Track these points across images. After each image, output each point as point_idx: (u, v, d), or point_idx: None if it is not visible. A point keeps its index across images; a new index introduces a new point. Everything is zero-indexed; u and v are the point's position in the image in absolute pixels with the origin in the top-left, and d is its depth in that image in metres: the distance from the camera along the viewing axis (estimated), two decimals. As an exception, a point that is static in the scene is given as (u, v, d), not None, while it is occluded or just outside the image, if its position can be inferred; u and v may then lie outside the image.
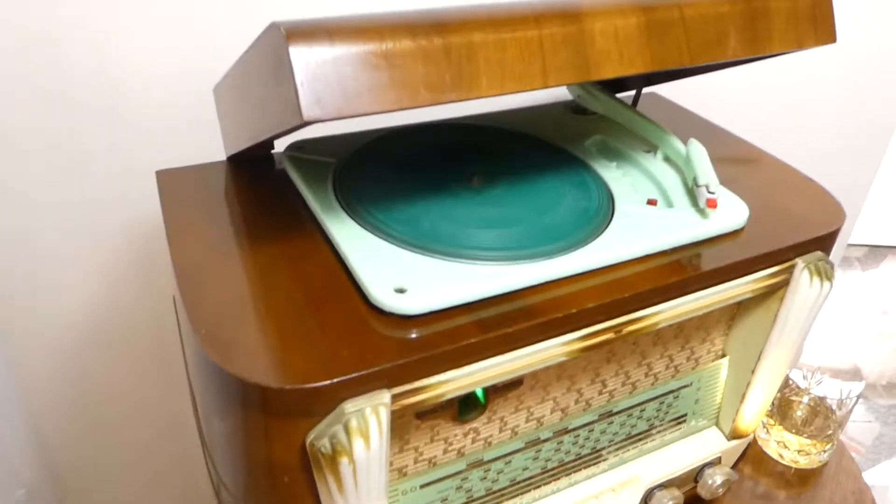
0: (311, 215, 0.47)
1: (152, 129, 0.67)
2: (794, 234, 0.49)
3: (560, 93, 0.65)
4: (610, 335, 0.43)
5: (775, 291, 0.50)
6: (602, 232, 0.46)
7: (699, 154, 0.50)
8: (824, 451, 0.65)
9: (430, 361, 0.38)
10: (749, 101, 0.85)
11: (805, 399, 0.65)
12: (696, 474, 0.58)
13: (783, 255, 0.48)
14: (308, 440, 0.37)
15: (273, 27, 0.33)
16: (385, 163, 0.52)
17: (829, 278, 0.49)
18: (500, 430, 0.49)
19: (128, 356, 0.82)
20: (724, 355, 0.56)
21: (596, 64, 0.38)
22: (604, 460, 0.54)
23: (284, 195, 0.49)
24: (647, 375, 0.53)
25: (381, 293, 0.40)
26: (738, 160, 0.58)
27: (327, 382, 0.36)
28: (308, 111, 0.33)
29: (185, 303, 0.40)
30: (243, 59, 0.41)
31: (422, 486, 0.47)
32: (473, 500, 0.50)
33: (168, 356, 0.82)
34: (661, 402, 0.55)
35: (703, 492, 0.58)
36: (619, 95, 0.60)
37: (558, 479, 0.53)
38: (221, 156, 0.53)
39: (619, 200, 0.49)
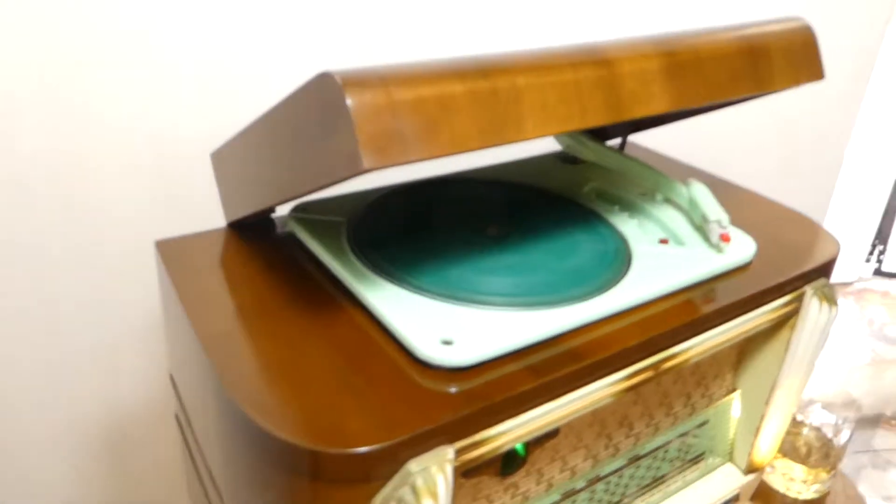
0: (328, 275, 0.46)
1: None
2: (799, 264, 0.50)
3: (544, 145, 0.66)
4: (650, 373, 0.43)
5: (787, 321, 0.51)
6: (626, 273, 0.46)
7: (703, 193, 0.51)
8: (827, 480, 0.66)
9: (489, 412, 0.37)
10: (704, 133, 0.89)
11: (805, 430, 0.67)
12: (720, 512, 0.58)
13: (793, 284, 0.49)
14: (374, 505, 0.35)
15: (325, 77, 0.33)
16: (397, 219, 0.51)
17: (835, 303, 0.51)
18: (538, 483, 0.47)
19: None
20: (734, 390, 0.57)
21: (627, 104, 0.39)
22: (645, 497, 0.54)
23: (296, 258, 0.48)
24: (667, 415, 0.53)
25: (428, 347, 0.38)
26: (726, 199, 0.60)
27: (390, 443, 0.34)
28: (369, 160, 0.32)
29: (218, 370, 0.38)
30: (270, 117, 0.40)
31: (466, 551, 0.45)
32: (514, 561, 0.48)
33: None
34: (682, 442, 0.55)
35: (729, 531, 0.57)
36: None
37: (591, 530, 0.52)
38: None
39: (632, 241, 0.50)
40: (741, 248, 0.50)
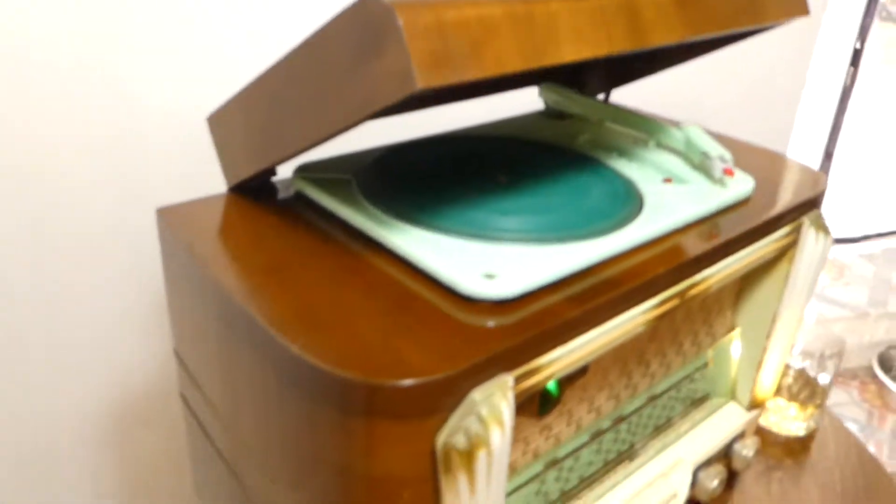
0: (346, 229, 0.45)
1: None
2: (795, 196, 0.52)
3: (525, 104, 0.66)
4: (677, 301, 0.44)
5: (785, 252, 0.53)
6: (641, 208, 0.47)
7: (699, 133, 0.52)
8: (817, 416, 0.68)
9: (539, 340, 0.37)
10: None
11: (791, 372, 0.69)
12: (727, 450, 0.59)
13: (793, 215, 0.51)
14: (440, 440, 0.34)
15: (370, 1, 0.32)
16: (405, 173, 0.50)
17: (829, 232, 0.53)
18: (568, 424, 0.47)
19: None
20: (734, 328, 0.58)
21: (646, 32, 0.40)
22: (651, 448, 0.54)
23: (308, 217, 0.47)
24: (677, 354, 0.54)
25: (471, 282, 0.38)
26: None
27: (454, 372, 0.34)
28: (422, 78, 0.31)
29: (259, 317, 0.36)
30: (293, 57, 0.38)
31: (507, 496, 0.44)
32: (554, 502, 0.48)
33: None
34: (690, 381, 0.56)
35: (738, 465, 0.59)
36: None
37: (616, 472, 0.52)
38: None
39: (638, 183, 0.51)
40: (742, 183, 0.51)
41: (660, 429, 0.55)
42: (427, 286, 0.39)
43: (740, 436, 0.59)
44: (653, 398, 0.53)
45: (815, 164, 1.34)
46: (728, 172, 0.50)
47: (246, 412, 0.42)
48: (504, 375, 0.35)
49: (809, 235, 0.52)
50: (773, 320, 0.56)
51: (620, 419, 0.51)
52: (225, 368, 0.43)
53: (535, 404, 0.44)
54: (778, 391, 0.68)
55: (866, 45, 1.36)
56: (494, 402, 0.34)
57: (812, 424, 0.69)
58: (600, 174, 0.52)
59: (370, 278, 0.40)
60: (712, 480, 0.55)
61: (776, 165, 0.57)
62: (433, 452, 0.35)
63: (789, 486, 0.64)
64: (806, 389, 0.68)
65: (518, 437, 0.44)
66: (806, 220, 0.52)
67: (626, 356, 0.49)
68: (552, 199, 0.48)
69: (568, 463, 0.48)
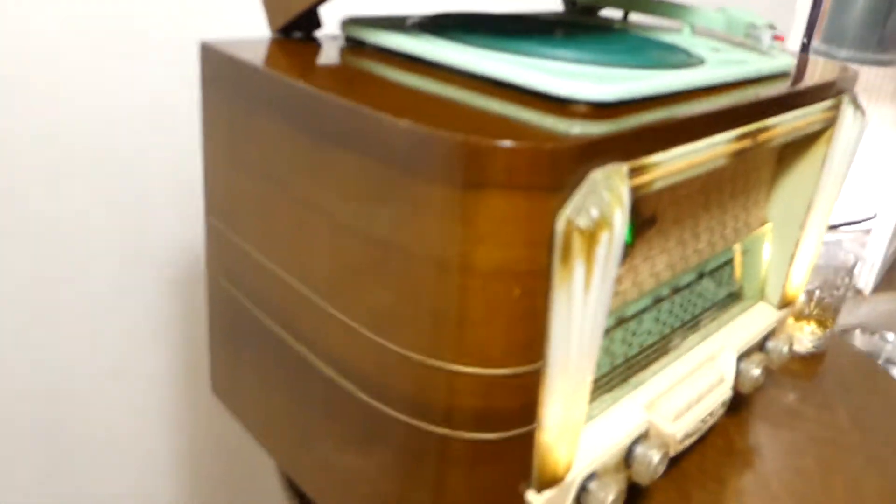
0: (413, 66, 0.42)
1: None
2: (833, 73, 0.53)
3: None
4: (749, 143, 0.43)
5: (823, 132, 0.53)
6: (703, 60, 0.46)
7: (739, 11, 0.52)
8: (825, 335, 0.69)
9: (642, 139, 0.35)
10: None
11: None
12: (763, 347, 0.58)
13: (836, 88, 0.52)
14: (563, 217, 0.31)
15: None
16: (463, 24, 0.47)
17: (865, 114, 0.54)
18: (633, 284, 0.45)
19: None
20: (765, 222, 0.58)
21: None
22: (697, 333, 0.53)
23: (366, 53, 0.43)
24: (721, 237, 0.53)
25: (569, 85, 0.36)
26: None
27: (571, 144, 0.31)
28: None
29: (352, 102, 0.33)
30: None
31: (582, 345, 0.42)
32: (616, 369, 0.45)
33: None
34: (731, 268, 0.55)
35: (775, 362, 0.58)
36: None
37: (668, 350, 0.50)
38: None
39: (691, 49, 0.50)
40: (786, 56, 0.51)
41: (703, 316, 0.54)
42: (521, 97, 0.37)
43: (772, 334, 0.59)
44: (700, 276, 0.51)
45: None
46: (778, 38, 0.50)
47: (322, 240, 0.38)
48: (619, 164, 0.33)
49: (848, 112, 0.52)
50: (809, 208, 0.55)
51: (676, 290, 0.49)
52: (297, 196, 0.39)
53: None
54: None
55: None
56: (615, 184, 0.32)
57: (821, 344, 0.69)
58: (652, 38, 0.51)
59: (453, 100, 0.38)
60: (755, 368, 0.54)
61: (803, 58, 0.58)
62: (551, 238, 0.32)
63: (802, 400, 0.63)
64: (818, 304, 0.69)
65: (594, 281, 0.41)
66: (846, 98, 0.52)
67: (683, 221, 0.48)
68: (614, 47, 0.46)
69: (633, 325, 0.46)
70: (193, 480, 0.90)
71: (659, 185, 0.37)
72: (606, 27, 0.55)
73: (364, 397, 0.38)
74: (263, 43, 0.44)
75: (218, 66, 0.42)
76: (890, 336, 1.37)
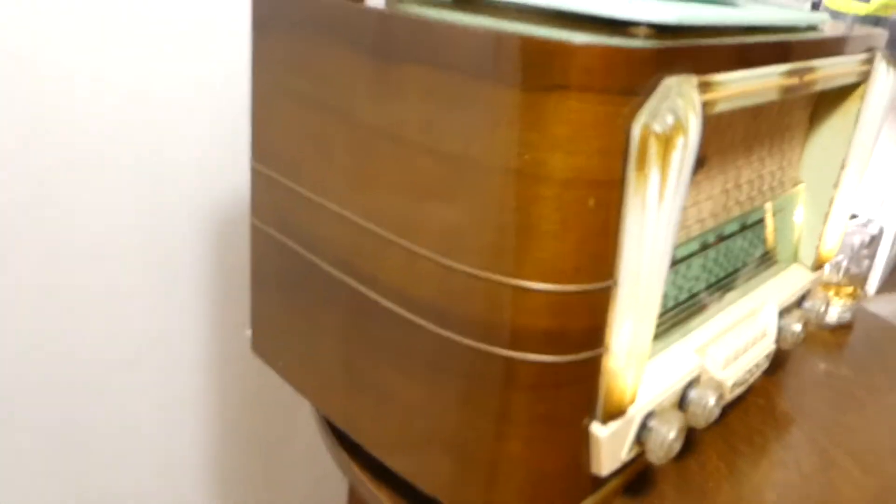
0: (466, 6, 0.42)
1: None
2: (862, 31, 0.53)
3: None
4: (797, 80, 0.43)
5: (856, 88, 0.54)
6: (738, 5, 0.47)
7: (772, -32, 0.53)
8: (854, 305, 0.69)
9: (705, 57, 0.35)
10: None
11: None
12: (800, 304, 0.58)
13: (868, 43, 0.52)
14: (639, 121, 0.31)
15: None
16: None
17: (897, 70, 0.55)
18: (682, 228, 0.45)
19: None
20: (799, 183, 0.58)
21: None
22: (738, 285, 0.53)
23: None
24: (759, 190, 0.53)
25: (632, 9, 0.36)
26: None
27: (643, 51, 0.31)
28: None
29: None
30: None
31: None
32: (668, 312, 0.45)
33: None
34: (768, 225, 0.55)
35: (814, 321, 0.57)
36: None
37: (712, 302, 0.50)
38: None
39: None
40: (815, 13, 0.52)
41: (742, 272, 0.53)
42: (580, 27, 0.37)
43: (808, 295, 0.59)
44: (743, 228, 0.51)
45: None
46: (814, -9, 0.50)
47: (388, 166, 0.38)
48: (689, 75, 0.33)
49: (882, 67, 0.53)
50: (843, 166, 0.56)
51: (721, 238, 0.49)
52: (361, 122, 0.38)
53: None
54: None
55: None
56: (687, 90, 0.32)
57: (849, 315, 0.69)
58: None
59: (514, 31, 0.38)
60: (797, 323, 0.54)
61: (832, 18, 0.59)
62: (626, 145, 0.32)
63: (838, 365, 0.63)
64: (844, 278, 0.69)
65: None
66: (879, 53, 0.53)
67: (727, 168, 0.48)
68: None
69: (682, 269, 0.46)
70: (216, 475, 0.89)
71: (721, 107, 0.37)
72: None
73: (428, 325, 0.37)
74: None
75: (272, 3, 0.42)
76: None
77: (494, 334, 0.35)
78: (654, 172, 0.32)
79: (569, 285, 0.34)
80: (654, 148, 0.31)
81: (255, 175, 0.47)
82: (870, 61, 0.53)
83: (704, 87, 0.35)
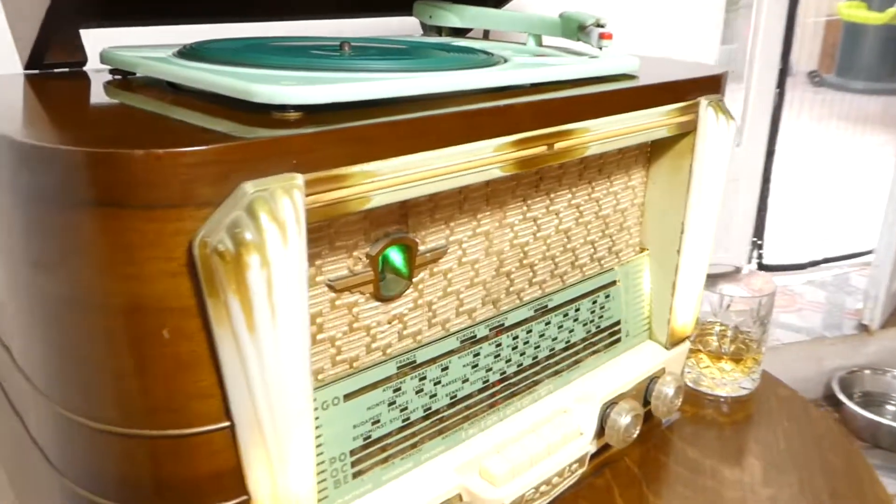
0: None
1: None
2: (688, 74, 0.46)
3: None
4: (543, 148, 0.37)
5: (684, 137, 0.46)
6: (506, 61, 0.41)
7: (574, 12, 0.47)
8: (753, 374, 0.60)
9: (344, 142, 0.29)
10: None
11: (716, 328, 0.61)
12: (647, 392, 0.50)
13: (686, 89, 0.45)
14: (197, 239, 0.26)
15: None
16: (229, 49, 0.43)
17: (731, 117, 0.47)
18: (430, 323, 0.39)
19: None
20: (644, 250, 0.51)
21: None
22: (548, 378, 0.45)
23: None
24: (573, 266, 0.46)
25: (272, 89, 0.30)
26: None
27: (217, 147, 0.26)
28: None
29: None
30: None
31: (346, 397, 0.35)
32: (412, 424, 0.38)
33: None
34: (594, 303, 0.48)
35: (661, 407, 0.50)
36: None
37: (502, 402, 0.43)
38: None
39: (512, 58, 0.44)
40: (621, 59, 0.45)
41: (560, 357, 0.46)
42: (222, 114, 0.32)
43: (659, 374, 0.51)
44: (545, 311, 0.44)
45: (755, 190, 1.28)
46: (605, 37, 0.44)
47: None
48: (291, 174, 0.27)
49: (708, 116, 0.46)
50: (683, 231, 0.48)
51: (502, 329, 0.42)
52: None
53: (375, 281, 0.35)
54: (709, 351, 0.60)
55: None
56: (274, 196, 0.26)
57: (749, 383, 0.60)
58: (467, 50, 0.45)
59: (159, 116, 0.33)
60: (625, 416, 0.46)
61: (676, 64, 0.52)
62: (191, 262, 0.26)
63: (726, 444, 0.54)
64: (735, 342, 0.60)
65: (358, 321, 0.35)
66: (703, 101, 0.46)
67: (503, 250, 0.41)
68: (387, 55, 0.41)
69: (432, 372, 0.39)
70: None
71: (379, 200, 0.31)
72: (421, 45, 0.50)
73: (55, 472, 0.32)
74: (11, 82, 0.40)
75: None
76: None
77: (108, 489, 0.30)
78: (232, 299, 0.26)
79: (169, 430, 0.28)
80: (221, 270, 0.26)
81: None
82: (692, 109, 0.46)
83: (330, 181, 0.29)
